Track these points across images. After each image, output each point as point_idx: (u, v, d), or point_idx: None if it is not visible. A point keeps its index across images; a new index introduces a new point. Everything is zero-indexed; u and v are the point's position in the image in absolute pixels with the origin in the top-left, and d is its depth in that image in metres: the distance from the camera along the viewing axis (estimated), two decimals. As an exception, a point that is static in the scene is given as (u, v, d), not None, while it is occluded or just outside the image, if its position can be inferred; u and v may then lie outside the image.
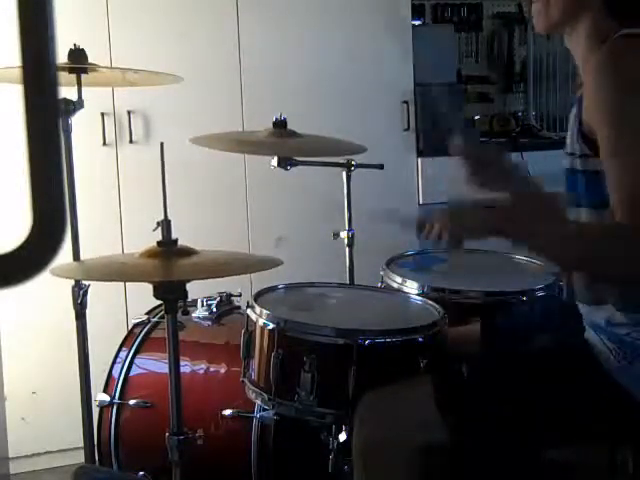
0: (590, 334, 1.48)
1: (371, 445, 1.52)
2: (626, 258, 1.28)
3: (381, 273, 2.13)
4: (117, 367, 2.20)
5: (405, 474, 1.48)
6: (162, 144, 1.68)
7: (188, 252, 1.66)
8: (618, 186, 1.31)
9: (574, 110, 1.48)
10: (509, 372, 1.50)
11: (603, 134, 1.36)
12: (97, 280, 2.06)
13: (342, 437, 1.72)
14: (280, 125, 2.27)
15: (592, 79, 1.38)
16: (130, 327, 2.34)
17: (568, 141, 1.50)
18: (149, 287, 1.64)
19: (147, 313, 2.32)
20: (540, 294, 1.95)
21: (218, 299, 2.27)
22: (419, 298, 1.90)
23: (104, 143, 2.97)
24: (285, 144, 2.28)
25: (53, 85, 0.49)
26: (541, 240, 1.31)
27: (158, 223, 1.64)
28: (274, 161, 2.34)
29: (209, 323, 2.24)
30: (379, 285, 2.11)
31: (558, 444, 1.51)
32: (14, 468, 2.86)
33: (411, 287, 1.99)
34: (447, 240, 1.36)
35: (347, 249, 2.46)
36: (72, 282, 2.17)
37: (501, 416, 1.48)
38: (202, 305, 2.26)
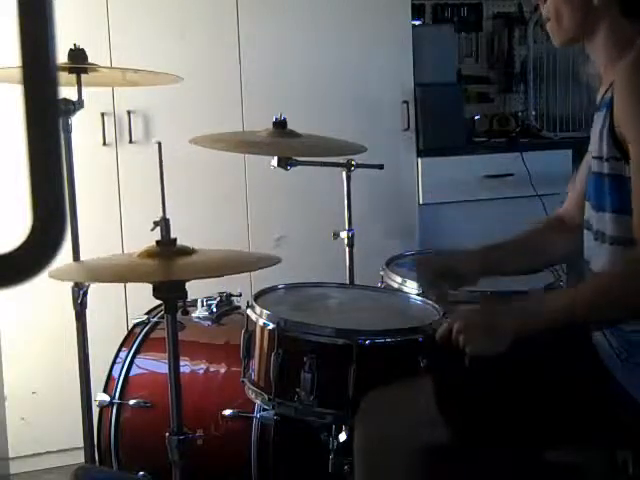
0: (595, 332, 1.48)
1: (372, 444, 1.52)
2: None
3: (381, 273, 2.13)
4: (117, 367, 2.20)
5: (406, 473, 1.48)
6: (159, 144, 1.67)
7: (187, 251, 1.66)
8: None
9: (601, 113, 1.46)
10: (510, 372, 1.49)
11: (633, 147, 1.36)
12: (96, 282, 2.06)
13: (342, 437, 1.72)
14: (280, 125, 2.27)
15: (623, 87, 1.38)
16: (130, 327, 2.34)
17: (594, 145, 1.49)
18: (149, 287, 1.64)
19: (147, 313, 2.32)
20: (540, 294, 1.95)
21: (218, 299, 2.27)
22: (419, 298, 1.90)
23: (104, 143, 2.97)
24: (285, 144, 2.28)
25: (53, 85, 0.49)
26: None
27: (155, 223, 1.64)
28: (274, 161, 2.34)
29: (209, 323, 2.24)
30: (379, 285, 2.11)
31: (559, 444, 1.51)
32: (14, 468, 2.86)
33: (411, 287, 1.99)
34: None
35: (347, 249, 2.46)
36: (72, 282, 2.17)
37: (502, 416, 1.48)
38: (202, 305, 2.26)
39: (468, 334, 1.45)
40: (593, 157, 1.49)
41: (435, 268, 1.76)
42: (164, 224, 1.64)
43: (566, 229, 1.74)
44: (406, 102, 3.27)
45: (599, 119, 1.47)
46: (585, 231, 1.56)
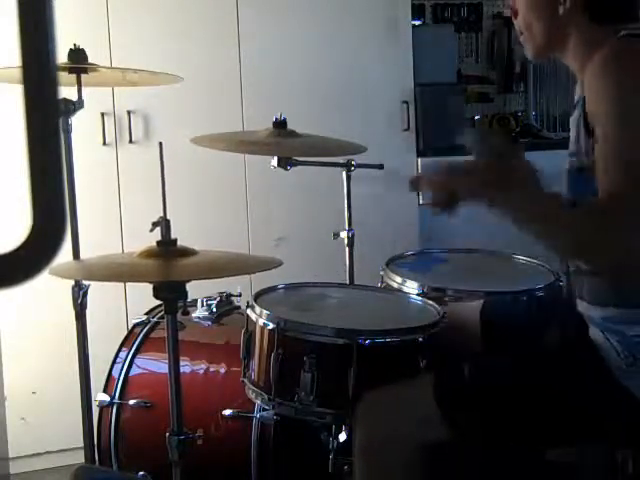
0: (595, 333, 1.48)
1: (371, 444, 1.52)
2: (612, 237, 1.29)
3: (381, 273, 2.13)
4: (117, 367, 2.20)
5: (405, 472, 1.48)
6: (161, 144, 1.68)
7: (187, 252, 1.66)
8: (614, 155, 1.32)
9: (576, 113, 1.49)
10: (509, 372, 1.50)
11: (602, 126, 1.37)
12: (96, 280, 2.06)
13: (342, 437, 1.72)
14: (280, 125, 2.26)
15: (595, 76, 1.39)
16: (130, 327, 2.33)
17: (571, 143, 1.51)
18: (149, 287, 1.64)
19: (147, 313, 2.32)
20: (540, 294, 1.95)
21: (218, 299, 2.27)
22: (419, 298, 1.90)
23: (104, 143, 2.97)
24: (285, 144, 2.28)
25: (53, 85, 0.49)
26: (517, 205, 1.32)
27: (154, 223, 1.63)
28: (274, 161, 2.34)
29: (209, 323, 2.24)
30: (379, 285, 2.11)
31: (559, 444, 1.51)
32: (14, 468, 2.86)
33: (411, 287, 1.99)
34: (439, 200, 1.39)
35: (347, 249, 2.46)
36: (72, 282, 2.17)
37: (502, 415, 1.48)
38: (202, 305, 2.26)
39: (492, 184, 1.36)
40: (570, 154, 1.51)
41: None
42: (164, 224, 1.64)
43: None
44: (406, 102, 3.27)
45: (574, 119, 1.50)
46: None
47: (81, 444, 2.25)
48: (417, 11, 3.62)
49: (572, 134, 1.51)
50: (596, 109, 1.39)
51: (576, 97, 1.54)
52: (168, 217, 1.65)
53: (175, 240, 1.65)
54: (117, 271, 1.71)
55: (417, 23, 3.57)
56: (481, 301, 1.81)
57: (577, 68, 1.52)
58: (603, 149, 1.35)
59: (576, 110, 1.50)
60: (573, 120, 1.51)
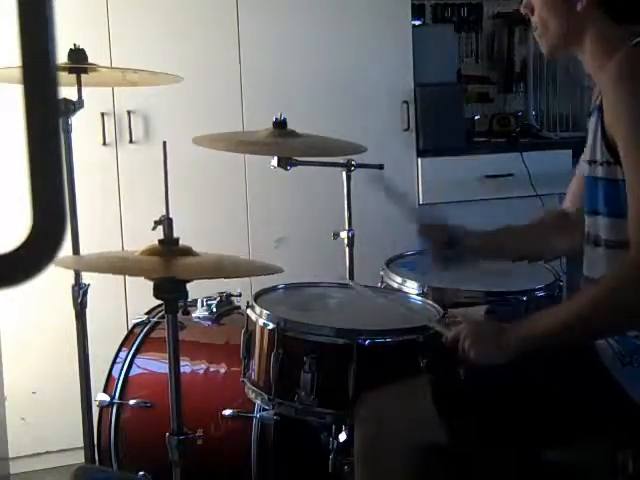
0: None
1: (371, 443, 1.52)
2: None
3: (381, 273, 2.13)
4: (117, 367, 2.20)
5: (404, 473, 1.48)
6: (164, 143, 1.67)
7: (189, 252, 1.66)
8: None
9: (593, 118, 1.47)
10: (508, 372, 1.49)
11: (623, 144, 1.36)
12: (97, 272, 2.04)
13: (342, 437, 1.72)
14: (280, 125, 2.26)
15: (611, 87, 1.38)
16: (130, 327, 2.34)
17: (588, 149, 1.50)
18: (149, 287, 1.64)
19: (147, 313, 2.32)
20: (540, 294, 1.95)
21: (218, 299, 2.27)
22: (419, 298, 1.90)
23: (104, 143, 2.97)
24: (285, 144, 2.28)
25: (53, 85, 0.49)
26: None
27: (156, 222, 1.63)
28: (274, 161, 2.34)
29: (209, 323, 2.24)
30: (379, 285, 2.11)
31: (558, 445, 1.51)
32: (14, 468, 2.86)
33: (411, 287, 1.99)
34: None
35: (347, 249, 2.46)
36: (72, 281, 2.17)
37: (501, 416, 1.48)
38: (202, 305, 2.26)
39: (474, 341, 1.47)
40: (587, 161, 1.50)
41: (439, 231, 1.80)
42: (167, 223, 1.64)
43: (568, 223, 1.75)
44: (406, 102, 3.27)
45: (592, 124, 1.48)
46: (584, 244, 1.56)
47: (81, 444, 2.25)
48: (417, 11, 3.62)
49: (589, 140, 1.49)
50: (613, 124, 1.38)
51: (593, 100, 1.52)
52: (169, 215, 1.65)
53: (177, 239, 1.65)
54: (117, 265, 1.71)
55: (417, 23, 3.57)
56: (484, 307, 1.82)
57: (595, 68, 1.50)
58: (630, 199, 1.36)
59: (593, 115, 1.48)
60: (590, 126, 1.50)
